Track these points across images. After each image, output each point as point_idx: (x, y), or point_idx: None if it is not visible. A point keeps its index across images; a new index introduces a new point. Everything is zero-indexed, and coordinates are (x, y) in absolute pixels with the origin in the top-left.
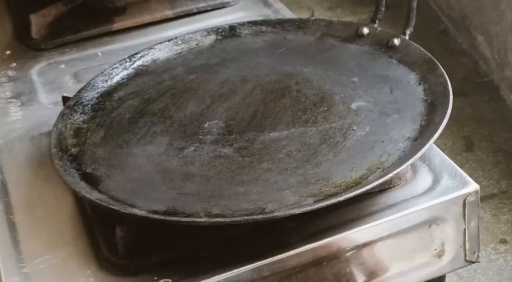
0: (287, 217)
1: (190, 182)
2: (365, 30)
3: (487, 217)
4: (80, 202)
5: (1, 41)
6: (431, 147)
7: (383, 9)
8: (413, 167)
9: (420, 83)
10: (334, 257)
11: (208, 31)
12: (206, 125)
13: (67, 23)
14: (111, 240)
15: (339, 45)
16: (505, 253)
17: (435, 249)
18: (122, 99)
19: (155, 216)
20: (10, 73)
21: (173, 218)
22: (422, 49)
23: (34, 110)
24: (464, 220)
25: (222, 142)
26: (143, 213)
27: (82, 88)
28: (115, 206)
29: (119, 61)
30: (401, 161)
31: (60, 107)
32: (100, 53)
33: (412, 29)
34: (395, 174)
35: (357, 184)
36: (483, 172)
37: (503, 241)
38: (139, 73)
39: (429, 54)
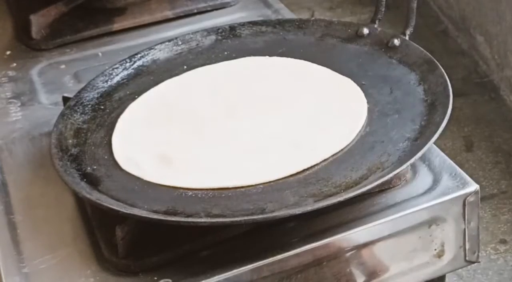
0: (287, 217)
1: None
2: (365, 31)
3: (487, 217)
4: (80, 202)
5: (1, 41)
6: (431, 147)
7: (383, 9)
8: (413, 167)
9: (420, 84)
10: (334, 257)
11: (208, 31)
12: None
13: (67, 23)
14: (111, 240)
15: (339, 45)
16: (505, 253)
17: (435, 249)
18: (122, 100)
19: (155, 216)
20: (11, 73)
21: (173, 218)
22: (422, 49)
23: (34, 111)
24: (464, 220)
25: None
26: (143, 213)
27: (82, 89)
28: (115, 206)
29: (119, 62)
30: (401, 161)
31: (60, 107)
32: (100, 54)
33: (412, 29)
34: (395, 174)
35: (357, 184)
36: (483, 172)
37: (503, 241)
38: (139, 73)
39: (429, 54)
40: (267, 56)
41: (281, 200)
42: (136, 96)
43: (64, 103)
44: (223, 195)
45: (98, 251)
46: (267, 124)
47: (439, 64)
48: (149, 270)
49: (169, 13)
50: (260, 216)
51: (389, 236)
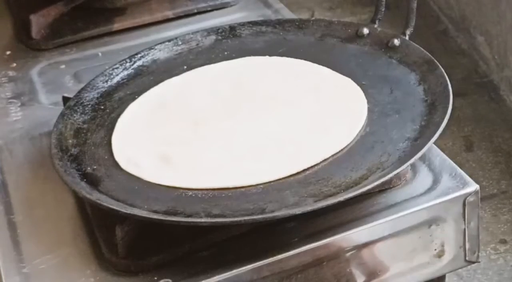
0: (287, 217)
1: None
2: (365, 31)
3: (487, 217)
4: (80, 202)
5: (1, 41)
6: (431, 147)
7: (383, 9)
8: (413, 167)
9: (420, 84)
10: (334, 257)
11: (208, 31)
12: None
13: (67, 23)
14: (111, 240)
15: (339, 45)
16: (505, 253)
17: (435, 249)
18: (122, 100)
19: (155, 216)
20: (11, 73)
21: (173, 218)
22: (422, 49)
23: (34, 111)
24: (464, 220)
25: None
26: (143, 213)
27: (82, 89)
28: (115, 206)
29: (119, 62)
30: (401, 161)
31: (60, 107)
32: (100, 54)
33: (412, 29)
34: (395, 174)
35: (357, 184)
36: (483, 172)
37: (503, 241)
38: (139, 73)
39: (429, 54)
40: (267, 56)
41: (281, 200)
42: (136, 96)
43: (64, 103)
44: (223, 195)
45: (98, 251)
46: (267, 124)
47: (439, 64)
48: (149, 270)
49: (169, 13)
50: (260, 216)
51: (389, 236)
